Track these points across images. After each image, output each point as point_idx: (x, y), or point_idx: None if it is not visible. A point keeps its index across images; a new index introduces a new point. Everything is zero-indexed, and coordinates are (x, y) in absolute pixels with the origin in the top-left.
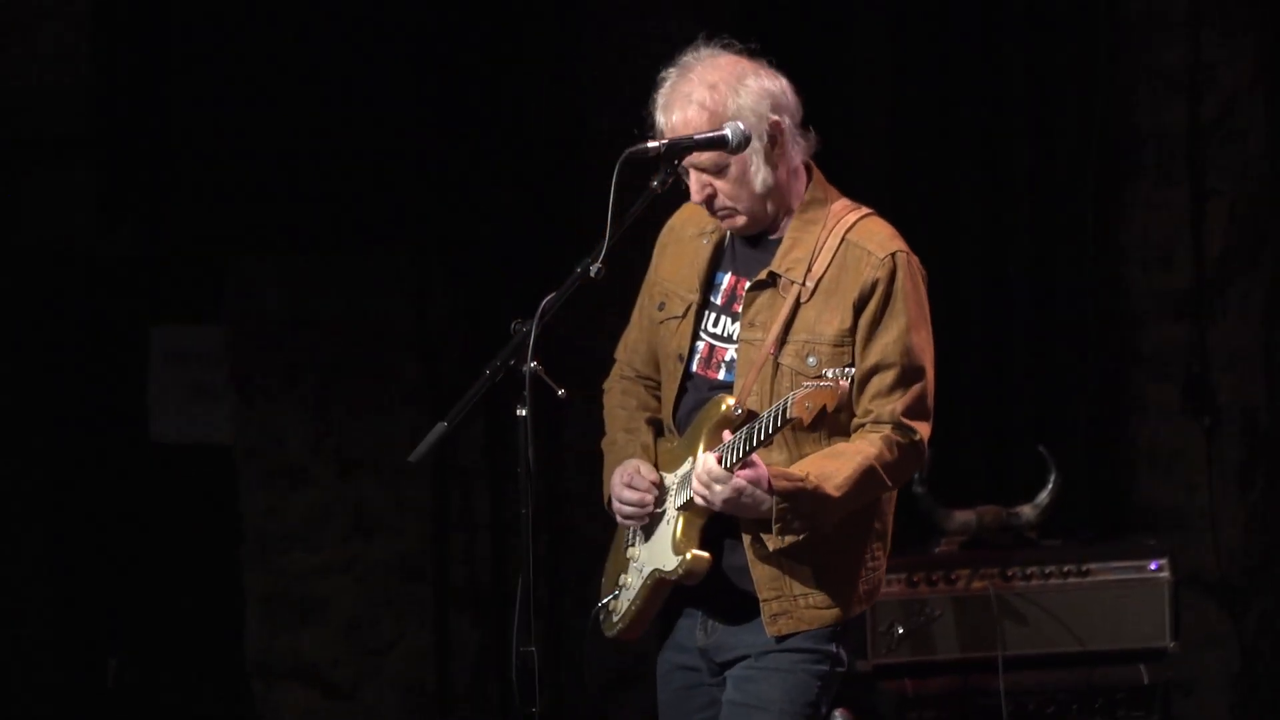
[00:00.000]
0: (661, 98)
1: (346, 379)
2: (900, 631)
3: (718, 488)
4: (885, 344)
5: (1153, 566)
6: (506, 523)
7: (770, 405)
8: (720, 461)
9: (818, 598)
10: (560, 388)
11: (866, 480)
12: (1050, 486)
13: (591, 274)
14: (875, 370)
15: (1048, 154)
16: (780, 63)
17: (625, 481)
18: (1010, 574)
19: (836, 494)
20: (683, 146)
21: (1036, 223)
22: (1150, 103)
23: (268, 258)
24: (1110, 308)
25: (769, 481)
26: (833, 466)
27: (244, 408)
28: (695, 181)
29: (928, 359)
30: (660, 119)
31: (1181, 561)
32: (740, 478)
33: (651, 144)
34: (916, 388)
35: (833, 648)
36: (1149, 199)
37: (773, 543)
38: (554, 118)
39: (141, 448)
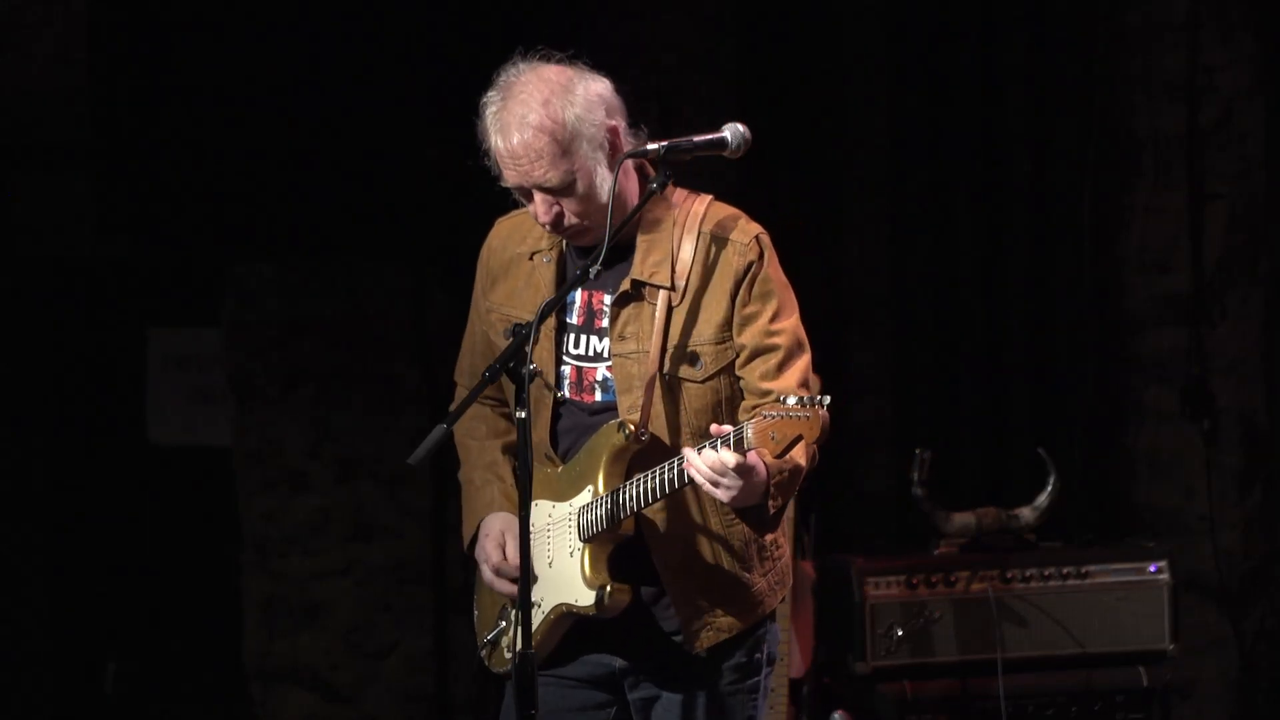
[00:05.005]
0: (494, 121)
1: (345, 383)
2: (899, 634)
3: (732, 477)
4: (765, 326)
5: (1152, 569)
6: None
7: (667, 421)
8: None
9: (734, 604)
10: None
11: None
12: (1049, 489)
13: (590, 275)
14: (762, 352)
15: (1047, 158)
16: (778, 69)
17: (500, 544)
18: (1009, 576)
19: (807, 466)
20: (683, 149)
21: (1036, 227)
22: (1149, 107)
23: (266, 262)
24: (1109, 312)
25: (764, 466)
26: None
27: (243, 412)
28: (541, 202)
29: (804, 334)
30: (498, 143)
31: (1180, 564)
32: (751, 462)
33: (651, 145)
34: (802, 362)
35: (759, 654)
36: (1148, 203)
37: (698, 550)
38: None
39: (140, 451)
